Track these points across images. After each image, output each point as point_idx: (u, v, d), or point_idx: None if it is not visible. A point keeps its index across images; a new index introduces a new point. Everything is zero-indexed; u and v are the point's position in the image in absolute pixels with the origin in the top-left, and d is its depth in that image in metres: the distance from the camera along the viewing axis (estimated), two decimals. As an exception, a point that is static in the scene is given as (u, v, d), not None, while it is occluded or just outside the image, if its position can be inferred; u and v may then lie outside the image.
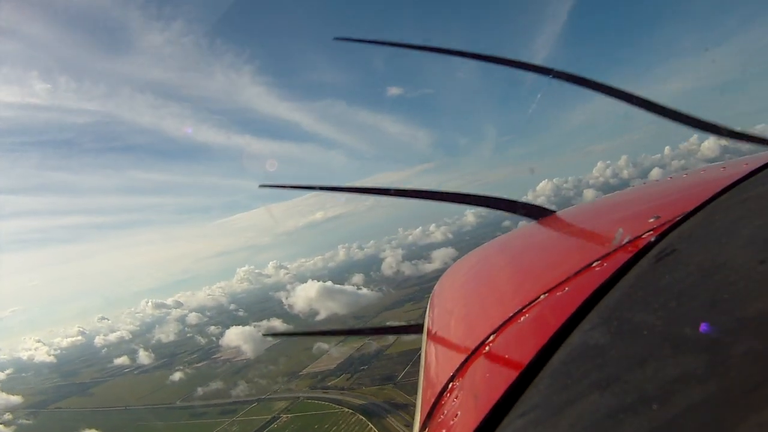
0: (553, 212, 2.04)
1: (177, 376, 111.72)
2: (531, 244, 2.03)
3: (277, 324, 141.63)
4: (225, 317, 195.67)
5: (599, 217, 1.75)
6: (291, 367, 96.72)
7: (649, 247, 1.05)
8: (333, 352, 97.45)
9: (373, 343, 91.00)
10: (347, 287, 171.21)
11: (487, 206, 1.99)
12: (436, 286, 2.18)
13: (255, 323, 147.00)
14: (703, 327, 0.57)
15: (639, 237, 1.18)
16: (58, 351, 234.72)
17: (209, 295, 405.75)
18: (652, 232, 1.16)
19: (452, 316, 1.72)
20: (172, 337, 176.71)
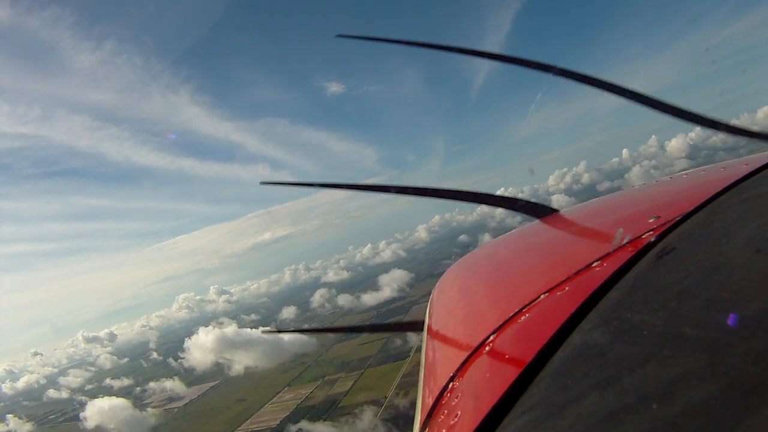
0: (555, 211, 2.13)
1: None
2: (531, 244, 2.18)
3: (171, 384, 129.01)
4: (135, 364, 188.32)
5: (599, 217, 1.87)
6: (224, 425, 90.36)
7: (649, 247, 1.13)
8: (275, 404, 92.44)
9: (321, 395, 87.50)
10: (259, 333, 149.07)
11: (487, 203, 2.12)
12: (436, 286, 2.32)
13: (146, 387, 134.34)
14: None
15: (639, 237, 1.26)
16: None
17: (144, 326, 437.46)
18: (652, 232, 1.24)
19: (452, 315, 1.84)
20: (64, 395, 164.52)
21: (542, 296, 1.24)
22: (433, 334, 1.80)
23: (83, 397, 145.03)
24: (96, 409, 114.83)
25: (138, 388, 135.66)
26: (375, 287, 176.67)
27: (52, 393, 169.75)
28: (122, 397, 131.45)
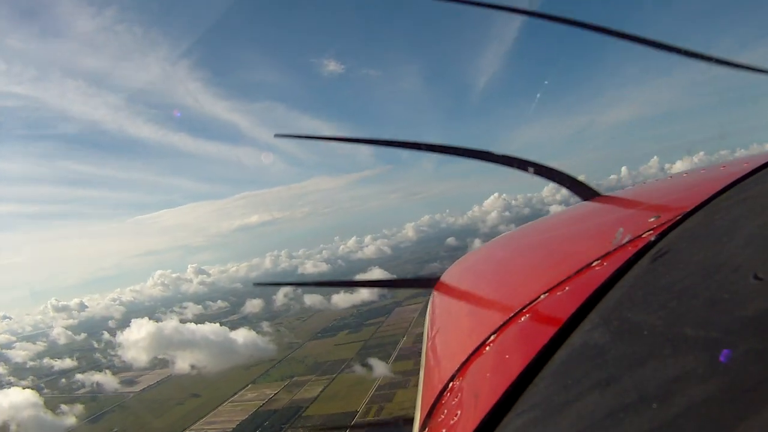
0: (597, 194, 2.09)
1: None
2: (531, 244, 2.23)
3: (101, 378, 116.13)
4: (87, 343, 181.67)
5: (599, 217, 1.92)
6: (173, 424, 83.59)
7: (649, 246, 1.15)
8: (235, 403, 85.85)
9: (285, 398, 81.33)
10: (207, 329, 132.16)
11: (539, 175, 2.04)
12: (436, 285, 2.41)
13: (78, 374, 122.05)
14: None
15: (639, 237, 1.28)
16: None
17: (114, 300, 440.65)
18: (652, 232, 1.26)
19: (453, 315, 1.87)
20: (1, 370, 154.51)
21: (542, 296, 1.26)
22: (434, 333, 1.83)
23: (12, 378, 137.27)
24: (5, 405, 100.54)
25: (63, 379, 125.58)
26: (349, 288, 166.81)
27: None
28: (53, 384, 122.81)
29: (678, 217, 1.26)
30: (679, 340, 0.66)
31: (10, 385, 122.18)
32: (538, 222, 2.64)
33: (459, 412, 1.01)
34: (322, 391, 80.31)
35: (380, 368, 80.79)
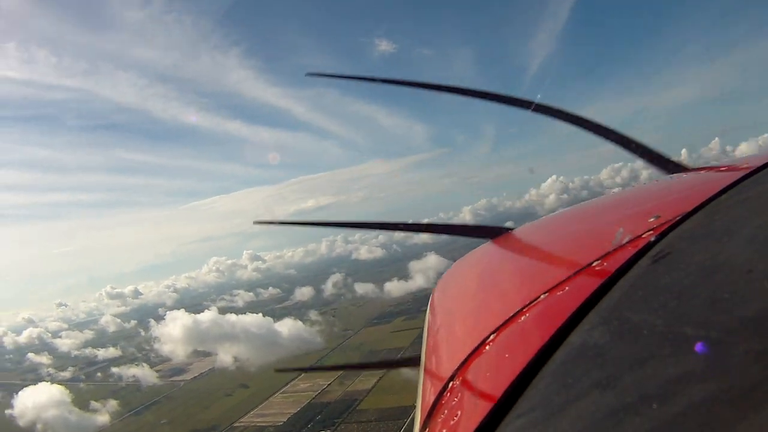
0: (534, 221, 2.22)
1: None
2: (532, 244, 2.23)
3: (137, 371, 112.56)
4: (135, 331, 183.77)
5: (600, 217, 1.94)
6: (222, 415, 79.34)
7: (649, 247, 1.16)
8: (286, 394, 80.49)
9: (338, 390, 74.90)
10: (249, 320, 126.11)
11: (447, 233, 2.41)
12: (437, 285, 2.41)
13: (114, 367, 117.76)
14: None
15: (639, 237, 1.29)
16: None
17: (168, 287, 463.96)
18: (652, 232, 1.27)
19: (453, 315, 1.90)
20: (45, 360, 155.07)
21: (542, 296, 1.26)
22: (434, 333, 1.84)
23: (52, 369, 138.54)
24: (29, 404, 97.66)
25: (99, 373, 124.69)
26: (404, 274, 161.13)
27: (32, 356, 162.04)
28: (91, 376, 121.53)
29: (678, 218, 1.27)
30: (679, 340, 0.67)
31: (50, 377, 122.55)
32: (538, 222, 2.64)
33: (459, 412, 1.01)
34: (376, 383, 73.47)
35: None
